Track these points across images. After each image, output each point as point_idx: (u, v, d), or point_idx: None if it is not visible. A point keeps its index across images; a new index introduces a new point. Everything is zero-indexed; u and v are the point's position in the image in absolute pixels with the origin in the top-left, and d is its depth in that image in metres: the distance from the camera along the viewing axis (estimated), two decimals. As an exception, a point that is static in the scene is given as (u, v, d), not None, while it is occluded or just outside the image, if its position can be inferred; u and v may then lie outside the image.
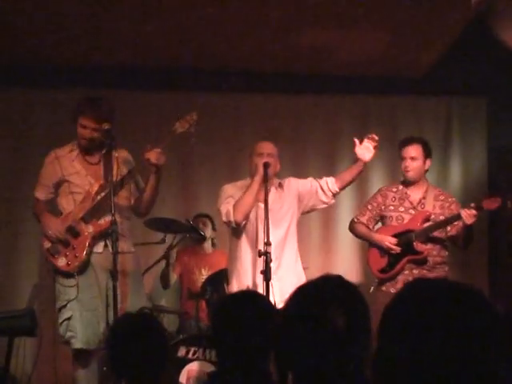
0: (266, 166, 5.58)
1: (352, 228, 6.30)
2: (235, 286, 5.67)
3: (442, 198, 6.13)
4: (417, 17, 6.39)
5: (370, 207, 6.23)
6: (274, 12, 6.29)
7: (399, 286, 5.85)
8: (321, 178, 5.95)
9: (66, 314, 5.41)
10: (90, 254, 5.40)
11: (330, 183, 5.88)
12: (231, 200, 5.71)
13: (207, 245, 7.19)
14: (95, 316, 5.40)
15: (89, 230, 5.45)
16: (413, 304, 1.78)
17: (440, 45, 7.02)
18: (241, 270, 5.74)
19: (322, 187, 5.88)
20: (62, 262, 5.42)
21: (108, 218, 5.28)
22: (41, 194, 5.66)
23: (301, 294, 2.24)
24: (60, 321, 5.46)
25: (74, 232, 5.42)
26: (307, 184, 5.94)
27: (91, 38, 6.83)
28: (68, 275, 5.42)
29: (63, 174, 5.55)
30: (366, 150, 5.78)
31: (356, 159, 5.81)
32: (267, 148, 5.77)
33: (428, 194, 6.11)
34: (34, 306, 6.35)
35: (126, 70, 7.51)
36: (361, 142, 5.79)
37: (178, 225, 6.45)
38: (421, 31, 6.68)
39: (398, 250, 5.93)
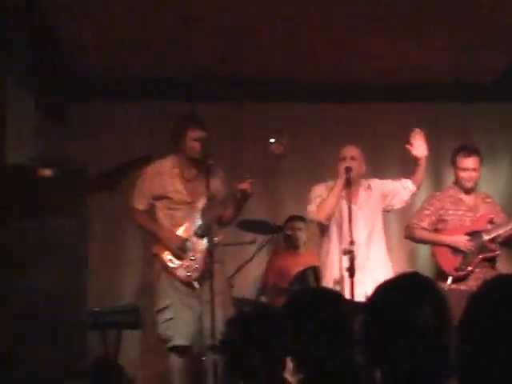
0: (348, 170, 5.79)
1: (411, 233, 6.34)
2: (327, 282, 5.84)
3: (488, 200, 6.36)
4: (485, 18, 6.24)
5: (427, 212, 6.26)
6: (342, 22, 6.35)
7: (471, 283, 5.98)
8: (399, 179, 6.18)
9: (167, 314, 5.59)
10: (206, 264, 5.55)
11: (409, 184, 6.10)
12: (319, 200, 5.92)
13: (300, 245, 7.27)
14: (191, 314, 5.59)
15: (204, 244, 5.62)
16: (495, 303, 1.81)
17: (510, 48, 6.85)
18: (329, 267, 5.92)
19: (404, 187, 6.09)
20: (182, 273, 5.60)
21: (219, 237, 5.66)
22: (141, 205, 5.78)
23: (381, 294, 2.23)
24: (161, 321, 5.63)
25: (190, 246, 5.61)
26: (389, 184, 6.16)
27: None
28: (188, 284, 5.61)
29: (165, 191, 5.71)
30: (419, 147, 6.00)
31: (416, 159, 6.02)
32: (350, 152, 5.96)
33: (477, 197, 6.28)
34: (137, 303, 6.56)
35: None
36: (411, 144, 6.01)
37: (267, 226, 6.65)
38: (489, 34, 6.52)
39: (469, 247, 6.06)
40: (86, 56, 6.90)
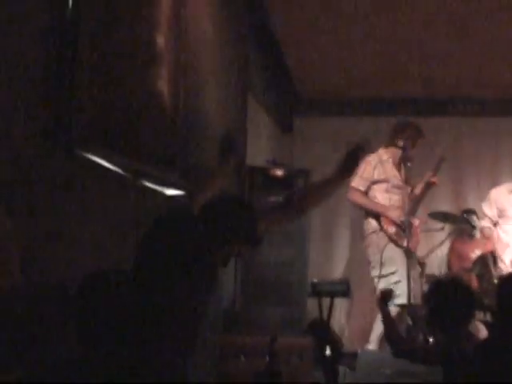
0: None
1: None
2: (504, 264, 6.00)
3: None
4: None
5: None
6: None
7: None
8: None
9: (394, 278, 5.69)
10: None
11: None
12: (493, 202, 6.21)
13: (476, 233, 7.33)
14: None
15: (416, 222, 5.87)
16: None
17: None
18: (508, 251, 6.02)
19: None
20: (405, 243, 5.62)
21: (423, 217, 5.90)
22: (362, 186, 5.91)
23: None
24: (389, 283, 5.67)
25: (408, 223, 5.67)
26: None
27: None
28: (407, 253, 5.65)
29: (386, 176, 5.90)
30: None
31: None
32: None
33: None
34: (346, 276, 6.82)
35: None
36: None
37: (453, 217, 6.75)
38: None
39: None
40: (307, 79, 7.26)
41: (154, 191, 3.50)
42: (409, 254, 5.63)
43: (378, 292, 5.81)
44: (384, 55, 6.56)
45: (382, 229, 5.86)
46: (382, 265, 5.77)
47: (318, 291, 5.91)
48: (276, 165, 5.88)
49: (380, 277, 5.78)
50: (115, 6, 3.07)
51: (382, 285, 5.73)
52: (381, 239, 5.85)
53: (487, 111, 7.68)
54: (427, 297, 3.78)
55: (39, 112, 2.45)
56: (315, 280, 5.96)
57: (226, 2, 4.90)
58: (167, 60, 3.58)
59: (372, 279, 5.93)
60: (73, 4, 2.72)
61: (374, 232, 5.90)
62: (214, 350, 4.38)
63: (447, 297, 3.49)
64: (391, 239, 5.80)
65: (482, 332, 5.66)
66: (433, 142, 6.24)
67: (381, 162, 5.92)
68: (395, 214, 5.79)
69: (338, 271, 7.55)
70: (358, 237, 7.20)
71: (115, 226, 2.90)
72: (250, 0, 5.56)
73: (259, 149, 6.34)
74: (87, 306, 1.99)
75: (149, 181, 3.40)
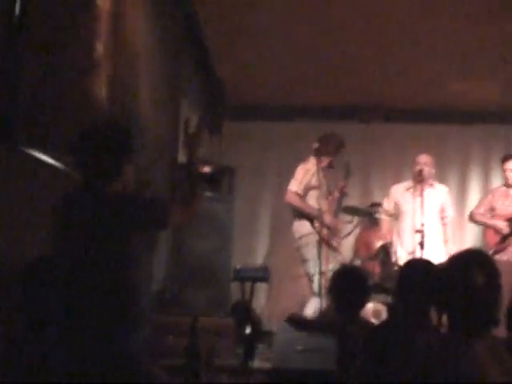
0: (421, 172, 5.99)
1: (472, 217, 6.43)
2: (401, 253, 6.05)
3: None
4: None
5: (485, 202, 6.37)
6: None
7: (508, 254, 5.99)
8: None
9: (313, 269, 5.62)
10: None
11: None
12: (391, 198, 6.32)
13: (379, 224, 7.41)
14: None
15: (339, 225, 5.96)
16: None
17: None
18: (404, 242, 6.12)
19: None
20: (334, 243, 5.78)
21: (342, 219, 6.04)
22: (300, 190, 5.79)
23: (453, 261, 2.29)
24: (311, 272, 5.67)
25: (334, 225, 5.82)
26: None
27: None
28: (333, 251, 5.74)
29: (319, 184, 5.81)
30: None
31: None
32: (423, 158, 6.13)
33: None
34: (266, 263, 6.86)
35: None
36: None
37: (362, 210, 6.78)
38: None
39: (505, 230, 6.07)
40: (235, 87, 7.27)
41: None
42: (334, 251, 5.76)
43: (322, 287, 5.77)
44: (303, 66, 6.56)
45: (315, 230, 5.84)
46: (321, 260, 5.67)
47: (240, 276, 5.94)
48: (205, 162, 5.83)
49: (321, 273, 5.61)
50: (59, 16, 3.01)
51: (322, 280, 5.59)
52: (315, 238, 5.76)
53: (392, 118, 7.77)
54: (329, 284, 3.88)
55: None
56: (238, 266, 5.98)
57: (162, 16, 4.86)
58: (105, 67, 3.52)
59: (308, 275, 5.86)
60: (20, 11, 2.65)
61: (310, 233, 5.84)
62: (145, 329, 4.33)
63: (342, 284, 3.66)
64: (323, 239, 5.76)
65: (383, 313, 5.72)
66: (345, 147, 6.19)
67: (317, 170, 5.82)
68: (327, 218, 5.81)
69: (258, 258, 7.53)
70: (278, 227, 7.31)
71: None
72: (184, 15, 5.53)
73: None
74: (33, 289, 1.92)
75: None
